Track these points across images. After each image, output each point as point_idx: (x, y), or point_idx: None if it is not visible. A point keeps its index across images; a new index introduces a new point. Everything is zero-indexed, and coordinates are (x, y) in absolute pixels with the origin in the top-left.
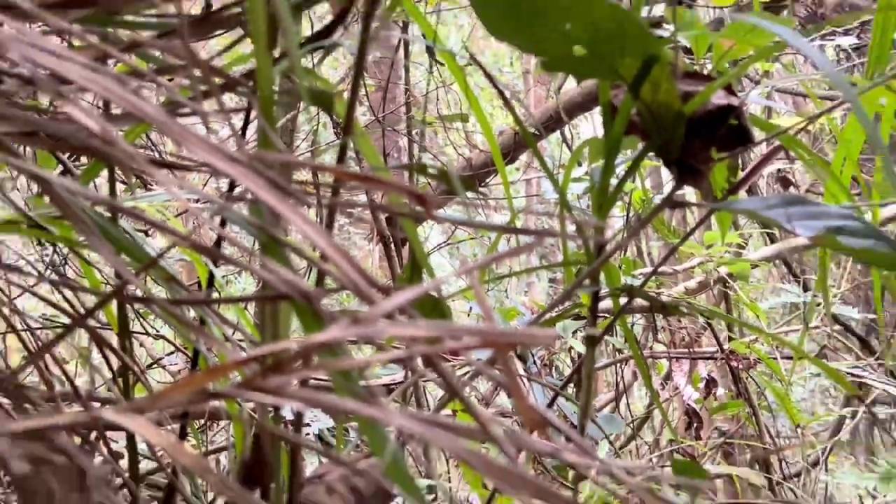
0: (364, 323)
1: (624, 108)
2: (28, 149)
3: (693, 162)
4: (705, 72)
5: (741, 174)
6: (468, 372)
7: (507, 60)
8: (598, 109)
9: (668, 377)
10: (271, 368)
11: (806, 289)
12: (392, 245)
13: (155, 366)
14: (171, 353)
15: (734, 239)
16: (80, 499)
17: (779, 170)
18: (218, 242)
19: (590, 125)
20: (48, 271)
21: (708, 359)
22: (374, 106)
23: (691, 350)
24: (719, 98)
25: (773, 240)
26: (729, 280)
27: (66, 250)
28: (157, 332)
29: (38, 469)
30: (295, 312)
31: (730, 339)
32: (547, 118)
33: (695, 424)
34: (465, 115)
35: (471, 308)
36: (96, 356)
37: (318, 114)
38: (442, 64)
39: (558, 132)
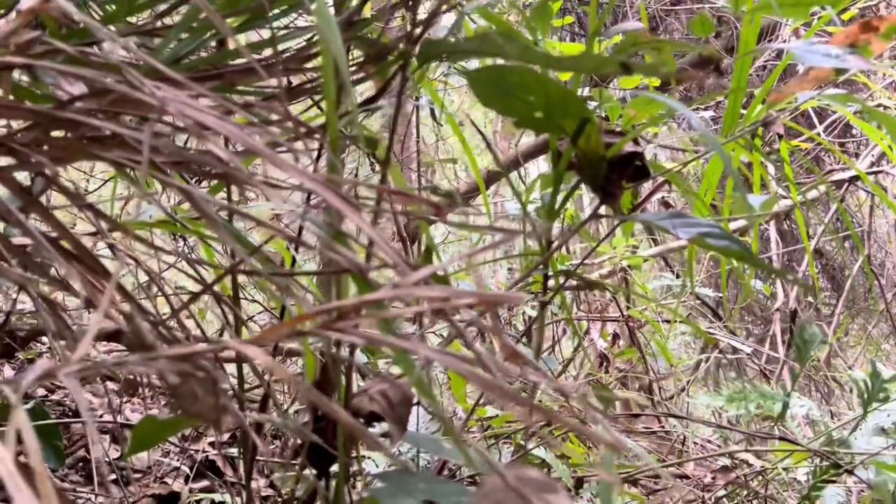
0: (400, 288)
1: (567, 153)
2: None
3: (611, 189)
4: (618, 130)
5: (640, 199)
6: (466, 322)
7: (482, 124)
8: (543, 157)
9: (586, 332)
10: (338, 317)
11: (677, 276)
12: (406, 241)
13: (250, 321)
14: (260, 312)
15: (632, 242)
16: (214, 400)
17: (662, 196)
18: (299, 232)
19: (536, 167)
20: (180, 258)
21: (613, 321)
22: (395, 151)
23: (602, 315)
24: (629, 147)
25: (656, 244)
26: (628, 270)
27: (192, 242)
28: (252, 297)
29: (187, 380)
30: (353, 281)
31: (628, 307)
32: (510, 162)
33: (604, 364)
34: (455, 159)
35: (457, 284)
36: (217, 312)
37: (359, 155)
38: (441, 125)
39: (516, 172)
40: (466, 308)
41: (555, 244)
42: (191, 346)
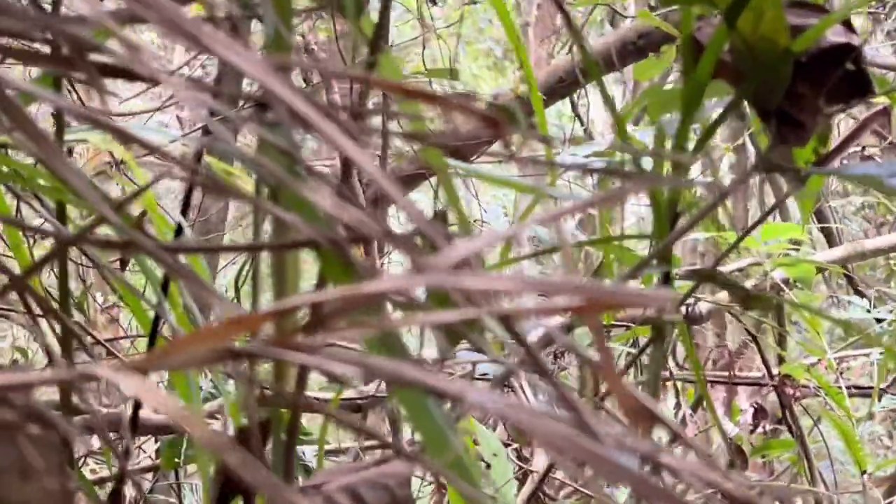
0: (427, 273)
1: (716, 43)
2: None
3: (797, 113)
4: (812, 3)
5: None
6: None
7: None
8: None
9: (698, 404)
10: (311, 324)
11: (872, 306)
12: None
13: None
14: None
15: (797, 233)
16: (60, 478)
17: (863, 148)
18: (198, 157)
19: (598, 95)
20: None
21: (753, 384)
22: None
23: (731, 373)
24: (835, 35)
25: (829, 242)
26: (783, 287)
27: None
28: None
29: (9, 441)
30: (321, 262)
31: (780, 359)
32: (556, 80)
33: (738, 463)
34: (455, 70)
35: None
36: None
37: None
38: (434, 2)
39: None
40: (567, 311)
41: (681, 221)
42: (19, 372)
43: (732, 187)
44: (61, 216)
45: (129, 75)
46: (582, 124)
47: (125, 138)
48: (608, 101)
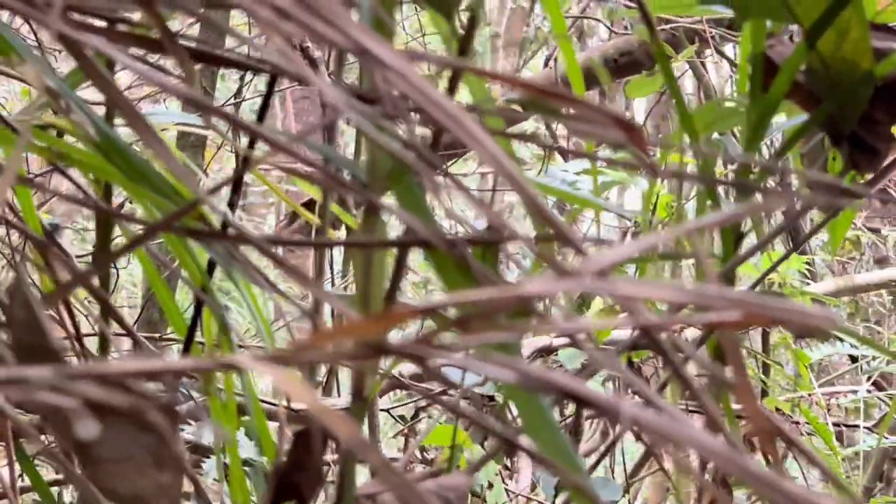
0: (577, 277)
1: (793, 62)
2: None
3: (872, 139)
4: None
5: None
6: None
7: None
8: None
9: None
10: (457, 323)
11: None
12: None
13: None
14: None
15: (797, 264)
16: (175, 473)
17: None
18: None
19: None
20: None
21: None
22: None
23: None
24: None
25: (808, 278)
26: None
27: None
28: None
29: (124, 431)
30: (431, 262)
31: (763, 392)
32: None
33: (724, 495)
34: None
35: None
36: None
37: None
38: None
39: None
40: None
41: (745, 244)
42: (145, 358)
43: (802, 212)
44: (107, 198)
45: (221, 61)
46: (554, 140)
47: (245, 129)
48: (680, 103)
